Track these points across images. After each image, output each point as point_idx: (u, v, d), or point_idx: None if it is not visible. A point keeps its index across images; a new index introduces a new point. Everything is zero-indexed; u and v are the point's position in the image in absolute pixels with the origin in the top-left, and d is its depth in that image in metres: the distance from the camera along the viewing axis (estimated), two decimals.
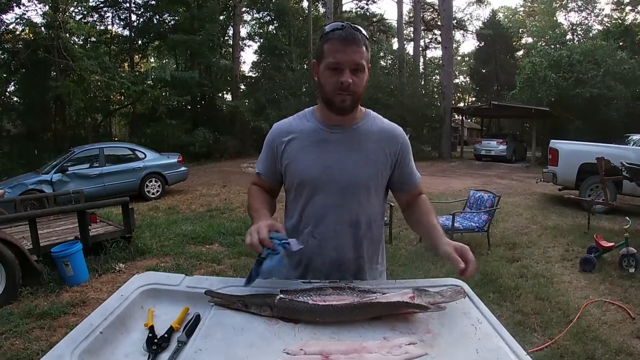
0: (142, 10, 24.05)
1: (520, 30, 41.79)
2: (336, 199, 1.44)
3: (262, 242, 1.23)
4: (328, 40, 1.35)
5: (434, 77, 27.91)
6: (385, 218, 1.94)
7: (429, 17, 35.69)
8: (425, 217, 1.51)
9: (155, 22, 23.92)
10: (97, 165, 9.99)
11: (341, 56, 1.32)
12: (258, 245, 1.23)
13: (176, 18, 23.20)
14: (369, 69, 1.41)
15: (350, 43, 1.32)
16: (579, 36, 33.27)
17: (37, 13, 17.36)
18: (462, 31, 40.76)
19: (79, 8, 19.17)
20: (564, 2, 36.32)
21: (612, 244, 5.02)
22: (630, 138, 10.87)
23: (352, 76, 1.33)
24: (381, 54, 28.47)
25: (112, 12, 24.12)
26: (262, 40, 28.44)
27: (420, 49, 32.43)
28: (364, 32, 1.37)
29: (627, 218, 5.07)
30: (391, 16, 67.46)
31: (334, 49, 1.33)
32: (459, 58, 47.30)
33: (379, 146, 1.47)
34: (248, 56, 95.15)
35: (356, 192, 1.45)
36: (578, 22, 35.91)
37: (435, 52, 43.59)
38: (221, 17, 25.45)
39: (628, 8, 32.29)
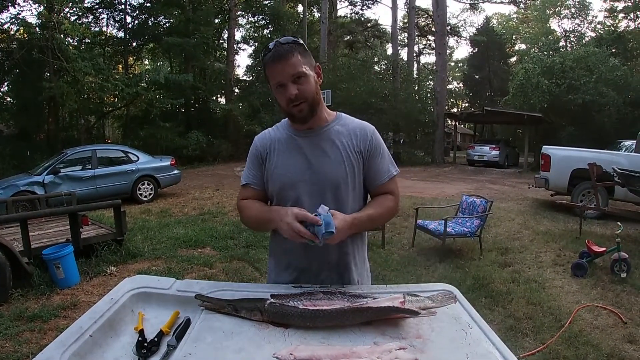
0: (137, 12, 24.02)
1: (514, 36, 42.17)
2: (316, 200, 1.46)
3: (307, 220, 1.33)
4: (265, 65, 1.43)
5: (427, 83, 28.06)
6: None
7: (423, 23, 35.90)
8: (372, 205, 1.56)
9: (150, 24, 23.91)
10: (90, 167, 9.92)
11: (278, 75, 1.41)
12: (305, 231, 1.32)
13: (171, 20, 23.22)
14: (318, 67, 1.50)
15: (280, 59, 1.39)
16: (572, 43, 33.53)
17: (32, 13, 17.40)
18: (455, 37, 40.98)
19: (74, 9, 19.09)
20: (557, 9, 36.66)
21: (603, 249, 5.05)
22: (622, 144, 10.98)
23: (296, 86, 1.41)
24: (375, 59, 28.57)
25: (107, 14, 24.13)
26: (256, 44, 28.40)
27: (414, 54, 32.58)
28: (296, 40, 1.43)
29: (619, 223, 5.09)
30: (386, 22, 67.67)
31: (271, 71, 1.42)
32: (452, 64, 47.68)
33: (349, 144, 1.52)
34: (243, 60, 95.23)
35: (335, 190, 1.49)
36: (571, 29, 36.24)
37: (429, 58, 43.81)
38: (216, 20, 25.46)
39: (621, 15, 32.67)
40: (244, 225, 1.66)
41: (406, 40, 31.00)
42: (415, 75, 28.80)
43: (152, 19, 23.96)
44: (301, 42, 1.45)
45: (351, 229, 1.41)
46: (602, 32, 30.60)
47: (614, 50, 24.35)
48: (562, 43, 32.85)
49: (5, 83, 19.92)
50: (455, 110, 39.41)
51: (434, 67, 26.74)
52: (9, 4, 16.35)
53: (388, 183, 1.57)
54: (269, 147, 1.56)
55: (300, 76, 1.41)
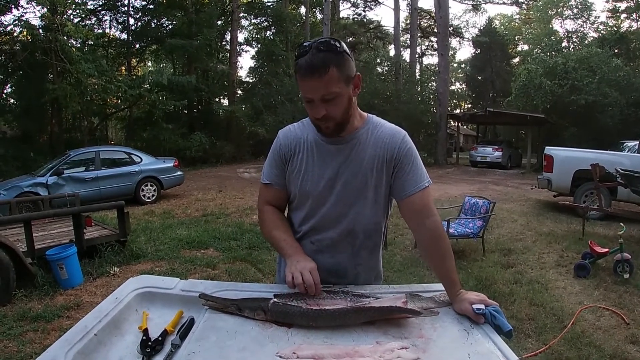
0: (140, 14, 24.13)
1: (516, 37, 42.02)
2: (336, 211, 1.44)
3: (313, 287, 1.28)
4: (297, 69, 1.29)
5: (430, 84, 27.96)
6: None
7: (425, 25, 35.90)
8: (440, 264, 1.41)
9: (153, 26, 24.01)
10: (93, 168, 9.96)
11: (308, 91, 1.29)
12: (312, 288, 1.28)
13: (174, 22, 23.31)
14: (358, 78, 1.35)
15: (313, 74, 1.24)
16: (575, 43, 33.45)
17: (35, 15, 17.38)
18: (458, 38, 40.99)
19: (77, 11, 19.13)
20: (559, 10, 36.57)
21: (606, 249, 5.03)
22: (624, 144, 10.93)
23: (324, 107, 1.30)
24: (378, 60, 28.54)
25: (110, 16, 24.26)
26: (259, 45, 28.39)
27: (417, 55, 32.54)
28: (335, 47, 1.27)
29: (622, 224, 5.06)
30: (388, 23, 67.92)
31: (302, 82, 1.29)
32: (455, 65, 47.64)
33: (377, 155, 1.42)
34: (245, 61, 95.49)
35: (355, 203, 1.44)
36: (574, 30, 36.13)
37: (431, 59, 43.72)
38: (219, 22, 25.46)
39: (623, 16, 32.60)
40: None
41: (409, 42, 30.98)
42: (417, 77, 28.70)
43: (155, 21, 24.05)
44: (341, 49, 1.27)
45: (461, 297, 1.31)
46: (604, 32, 30.53)
47: (616, 51, 24.32)
48: (564, 44, 32.78)
49: (9, 85, 20.02)
50: (457, 111, 39.42)
51: (437, 69, 26.59)
52: (13, 5, 16.39)
53: (417, 196, 1.41)
54: (294, 148, 1.48)
55: (330, 98, 1.29)
